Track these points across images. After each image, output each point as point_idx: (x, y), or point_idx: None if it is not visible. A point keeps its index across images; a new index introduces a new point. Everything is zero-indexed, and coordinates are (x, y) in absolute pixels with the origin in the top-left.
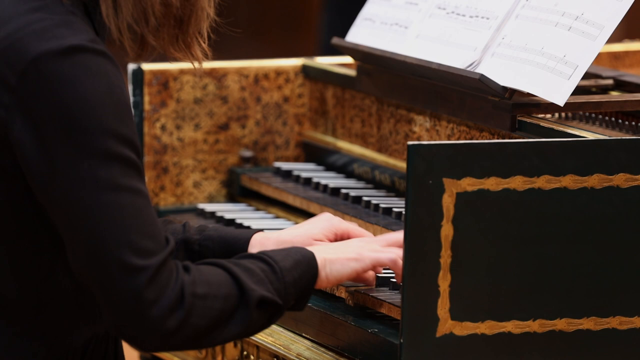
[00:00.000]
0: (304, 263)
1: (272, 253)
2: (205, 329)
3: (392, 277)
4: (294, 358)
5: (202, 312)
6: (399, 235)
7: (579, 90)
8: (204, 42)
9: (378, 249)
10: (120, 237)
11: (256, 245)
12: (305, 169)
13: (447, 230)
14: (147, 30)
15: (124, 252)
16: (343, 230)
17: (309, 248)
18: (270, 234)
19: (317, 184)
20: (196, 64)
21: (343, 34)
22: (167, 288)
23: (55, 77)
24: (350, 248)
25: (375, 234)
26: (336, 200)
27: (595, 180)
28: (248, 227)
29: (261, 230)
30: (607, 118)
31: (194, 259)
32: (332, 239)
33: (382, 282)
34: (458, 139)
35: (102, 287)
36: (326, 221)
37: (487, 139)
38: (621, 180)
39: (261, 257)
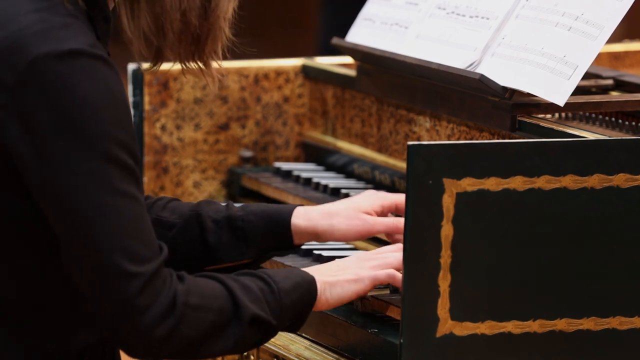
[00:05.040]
0: (303, 286)
1: (272, 272)
2: (195, 340)
3: None
4: (294, 358)
5: (193, 323)
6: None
7: (579, 91)
8: (219, 60)
9: (375, 265)
10: (115, 241)
11: (300, 216)
12: (305, 169)
13: (447, 231)
14: (164, 44)
15: (118, 257)
16: (390, 203)
17: (309, 270)
18: (315, 207)
19: (317, 184)
20: (210, 82)
21: (342, 33)
22: (159, 296)
23: (54, 80)
24: (349, 269)
25: None
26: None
27: (595, 181)
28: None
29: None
30: (607, 118)
31: (238, 235)
32: (379, 213)
33: None
34: (458, 139)
35: (95, 290)
36: (373, 194)
37: (487, 139)
38: (621, 180)
39: (261, 275)
